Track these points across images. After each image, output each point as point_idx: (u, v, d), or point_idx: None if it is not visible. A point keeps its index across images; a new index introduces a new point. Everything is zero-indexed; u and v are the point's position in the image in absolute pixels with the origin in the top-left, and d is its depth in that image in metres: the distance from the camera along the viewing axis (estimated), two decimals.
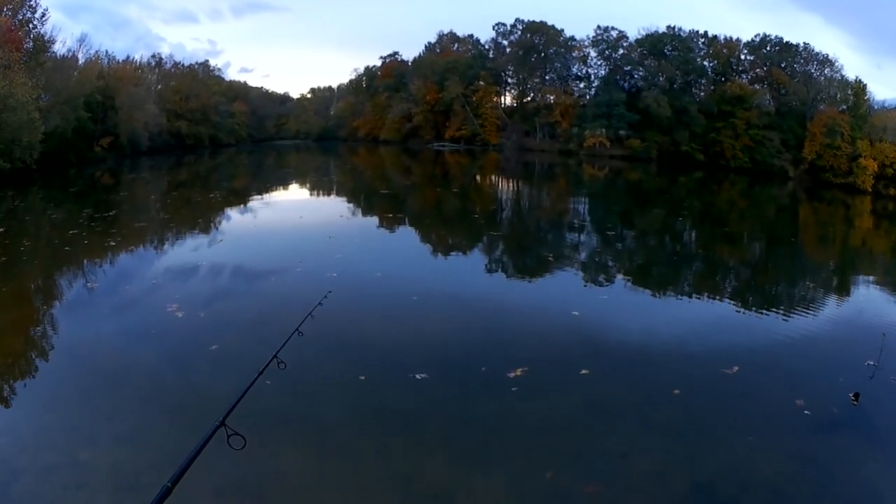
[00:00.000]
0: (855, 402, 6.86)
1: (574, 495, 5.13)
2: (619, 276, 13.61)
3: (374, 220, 21.88)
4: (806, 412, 6.56)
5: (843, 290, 14.35)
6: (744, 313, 11.19)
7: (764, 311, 11.35)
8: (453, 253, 16.66)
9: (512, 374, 7.24)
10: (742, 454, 5.74)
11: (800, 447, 5.98)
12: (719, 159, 55.64)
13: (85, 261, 13.73)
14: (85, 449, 5.65)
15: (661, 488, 5.22)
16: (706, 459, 5.68)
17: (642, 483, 5.28)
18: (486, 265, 14.88)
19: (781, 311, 11.29)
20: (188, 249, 15.10)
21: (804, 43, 56.17)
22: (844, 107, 51.08)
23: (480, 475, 5.36)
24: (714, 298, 12.27)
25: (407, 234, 19.11)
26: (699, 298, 12.22)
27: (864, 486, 5.45)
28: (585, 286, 12.70)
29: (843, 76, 53.39)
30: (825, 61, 54.68)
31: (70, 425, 6.18)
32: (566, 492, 5.16)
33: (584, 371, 7.48)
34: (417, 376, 7.15)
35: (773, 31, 64.63)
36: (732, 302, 12.13)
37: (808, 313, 11.06)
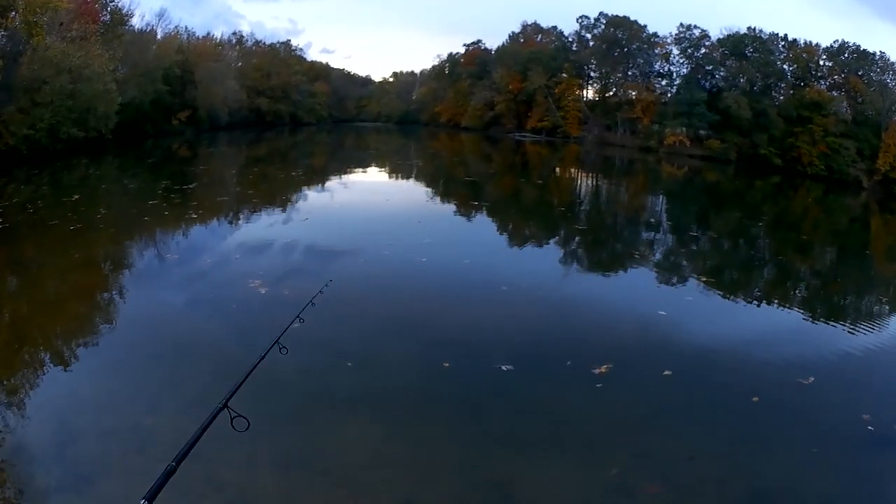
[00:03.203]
0: None
1: (635, 493, 5.08)
2: (703, 278, 12.93)
3: (459, 206, 21.34)
4: (870, 427, 6.36)
5: None
6: (820, 323, 10.89)
7: (839, 322, 10.99)
8: (538, 245, 16.06)
9: (597, 371, 7.11)
10: (803, 465, 5.69)
11: (859, 462, 5.89)
12: (796, 165, 52.95)
13: (165, 232, 13.62)
14: (148, 415, 5.55)
15: (720, 493, 5.20)
16: (768, 468, 5.57)
17: (703, 487, 5.24)
18: (572, 259, 14.44)
19: (854, 323, 10.97)
20: (270, 225, 14.87)
21: (880, 52, 53.80)
22: None
23: (546, 466, 5.33)
24: (794, 306, 12.04)
25: (491, 223, 18.60)
26: (780, 305, 11.87)
27: None
28: (671, 286, 12.41)
29: None
30: None
31: (135, 391, 6.11)
32: (628, 489, 5.11)
33: (667, 372, 7.29)
34: (503, 367, 6.98)
35: (845, 36, 63.75)
36: (811, 311, 11.77)
37: (879, 327, 10.70)
